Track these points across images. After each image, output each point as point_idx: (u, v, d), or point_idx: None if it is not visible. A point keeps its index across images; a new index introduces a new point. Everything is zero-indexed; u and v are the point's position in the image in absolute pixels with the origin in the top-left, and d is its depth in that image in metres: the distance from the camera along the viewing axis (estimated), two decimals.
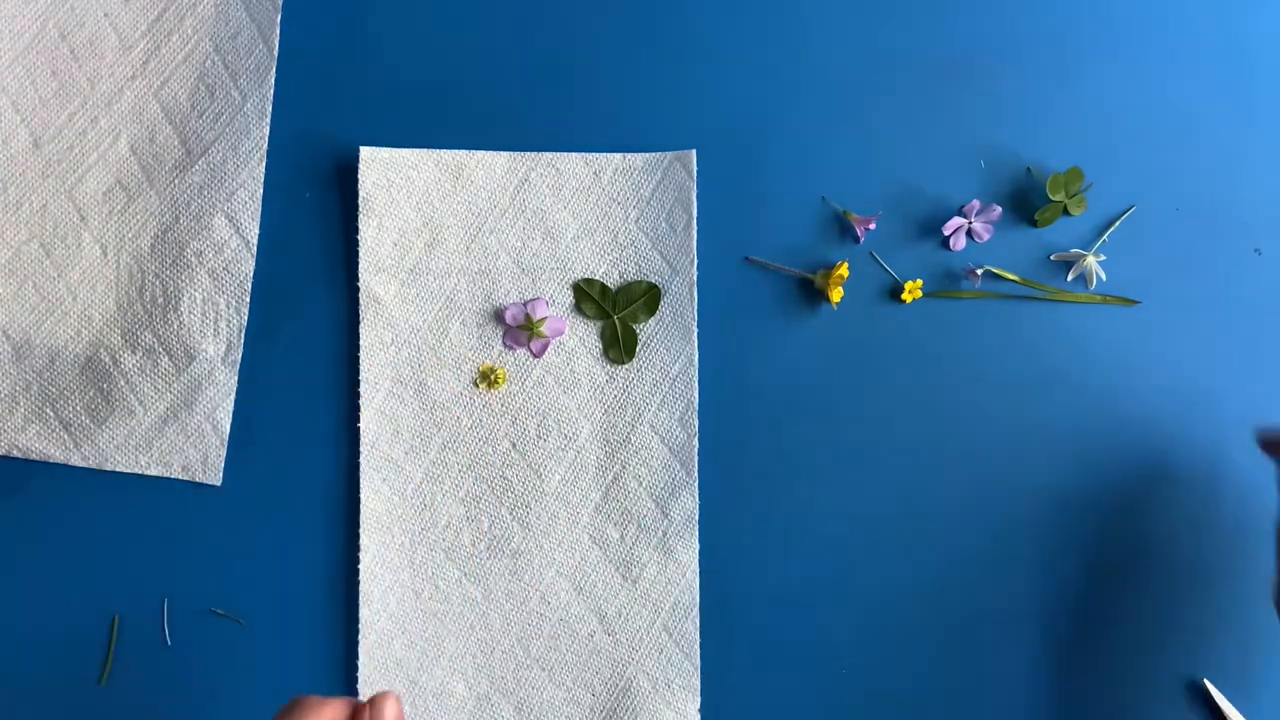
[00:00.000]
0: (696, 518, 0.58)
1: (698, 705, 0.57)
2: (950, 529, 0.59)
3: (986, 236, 0.60)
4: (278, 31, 0.59)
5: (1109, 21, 0.61)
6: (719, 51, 0.60)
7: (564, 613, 0.58)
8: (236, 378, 0.57)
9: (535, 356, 0.58)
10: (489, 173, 0.59)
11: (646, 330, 0.59)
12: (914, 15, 0.61)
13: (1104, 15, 0.61)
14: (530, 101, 0.60)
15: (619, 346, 0.58)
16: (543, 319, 0.58)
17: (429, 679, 0.57)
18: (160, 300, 0.57)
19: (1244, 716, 0.58)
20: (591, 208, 0.59)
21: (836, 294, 0.58)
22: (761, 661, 0.58)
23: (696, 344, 0.58)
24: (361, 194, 0.58)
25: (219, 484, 0.57)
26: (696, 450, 0.58)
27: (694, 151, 0.59)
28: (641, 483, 0.58)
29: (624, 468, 0.58)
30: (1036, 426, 0.59)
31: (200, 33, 0.59)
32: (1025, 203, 0.60)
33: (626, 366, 0.59)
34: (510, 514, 0.58)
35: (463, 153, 0.59)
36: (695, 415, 0.58)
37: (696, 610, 0.57)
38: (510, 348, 0.58)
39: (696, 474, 0.58)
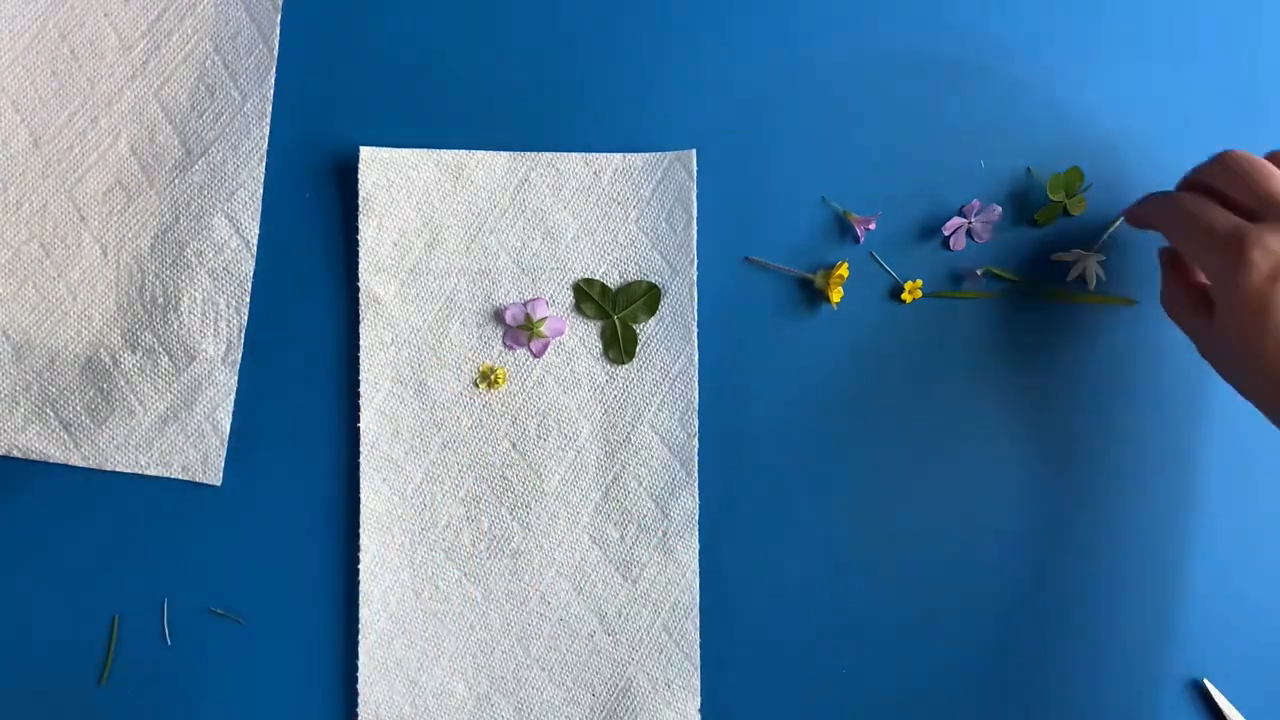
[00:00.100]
0: (696, 518, 0.58)
1: (698, 705, 0.57)
2: (950, 529, 0.59)
3: (986, 236, 0.60)
4: (278, 31, 0.59)
5: (1108, 21, 0.61)
6: (719, 51, 0.60)
7: (564, 613, 0.58)
8: (236, 378, 0.57)
9: (535, 356, 0.58)
10: (489, 173, 0.59)
11: (646, 330, 0.59)
12: (914, 15, 0.61)
13: (1104, 15, 0.61)
14: (530, 101, 0.60)
15: (619, 346, 0.58)
16: (543, 319, 0.58)
17: (429, 679, 0.57)
18: (160, 300, 0.57)
19: (1244, 716, 0.58)
20: (591, 208, 0.59)
21: (836, 294, 0.58)
22: (761, 661, 0.58)
23: (696, 344, 0.58)
24: (361, 194, 0.58)
25: (219, 484, 0.57)
26: (696, 450, 0.58)
27: (694, 151, 0.59)
28: (641, 483, 0.58)
29: (624, 468, 0.58)
30: (1036, 426, 0.59)
31: (200, 33, 0.59)
32: (1025, 203, 0.60)
33: (626, 366, 0.58)
34: (510, 514, 0.58)
35: (463, 153, 0.59)
36: (695, 415, 0.58)
37: (696, 610, 0.57)
38: (510, 348, 0.58)
39: (696, 474, 0.58)
